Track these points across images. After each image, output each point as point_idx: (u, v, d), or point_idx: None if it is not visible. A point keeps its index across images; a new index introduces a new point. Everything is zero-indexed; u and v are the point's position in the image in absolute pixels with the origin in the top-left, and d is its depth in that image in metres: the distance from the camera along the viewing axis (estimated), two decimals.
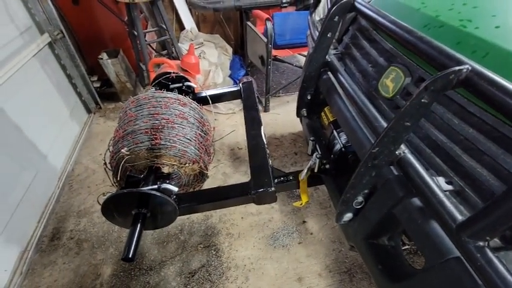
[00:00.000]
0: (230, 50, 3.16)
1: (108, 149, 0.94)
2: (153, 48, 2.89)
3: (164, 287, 1.40)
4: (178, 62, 2.51)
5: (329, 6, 1.41)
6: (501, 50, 0.67)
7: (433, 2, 0.95)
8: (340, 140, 1.12)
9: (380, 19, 0.87)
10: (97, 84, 2.64)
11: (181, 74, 1.18)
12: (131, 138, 0.84)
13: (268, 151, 0.90)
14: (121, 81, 2.62)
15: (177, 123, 0.90)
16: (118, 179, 0.78)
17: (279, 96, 2.85)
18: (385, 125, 0.81)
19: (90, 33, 2.52)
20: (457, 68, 0.55)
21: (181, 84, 1.17)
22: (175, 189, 0.75)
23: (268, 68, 2.33)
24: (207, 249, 1.56)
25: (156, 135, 0.84)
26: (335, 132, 1.15)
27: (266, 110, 2.65)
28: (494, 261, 0.49)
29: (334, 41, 1.30)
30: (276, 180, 1.29)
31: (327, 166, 1.12)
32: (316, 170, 1.15)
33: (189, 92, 1.19)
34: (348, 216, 0.90)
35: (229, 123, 2.52)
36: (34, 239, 1.57)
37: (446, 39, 0.81)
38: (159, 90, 0.99)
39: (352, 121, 1.02)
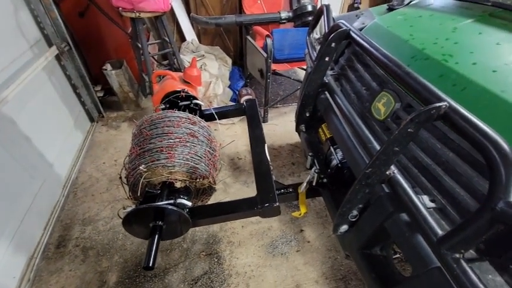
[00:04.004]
0: (230, 61, 3.27)
1: (124, 166, 1.01)
2: (155, 60, 2.98)
3: None
4: (180, 74, 2.60)
5: (326, 30, 1.52)
6: (477, 86, 0.77)
7: (420, 35, 1.07)
8: (337, 156, 1.21)
9: (373, 51, 0.97)
10: (100, 94, 2.70)
11: (190, 93, 1.27)
12: (148, 155, 0.91)
13: (271, 167, 0.98)
14: (124, 91, 2.69)
15: (188, 142, 0.98)
16: (138, 194, 0.85)
17: (277, 108, 2.96)
18: (377, 147, 0.91)
19: (94, 45, 2.60)
20: (437, 104, 0.65)
21: (189, 102, 1.26)
22: (189, 203, 0.82)
23: (268, 81, 2.43)
24: (209, 256, 1.62)
25: (170, 153, 0.92)
26: (332, 149, 1.25)
27: (264, 120, 2.74)
28: (467, 271, 0.59)
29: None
30: (277, 192, 1.38)
31: (325, 180, 1.21)
32: (314, 183, 1.24)
33: (196, 109, 1.27)
34: (344, 228, 0.99)
35: (228, 133, 2.60)
36: (41, 246, 1.62)
37: (430, 71, 0.91)
38: (171, 110, 1.07)
39: (347, 140, 1.11)
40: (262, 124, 1.19)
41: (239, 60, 3.60)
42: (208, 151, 1.04)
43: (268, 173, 0.93)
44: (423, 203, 0.73)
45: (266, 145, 1.07)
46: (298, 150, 2.44)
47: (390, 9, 1.54)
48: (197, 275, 1.54)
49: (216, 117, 1.24)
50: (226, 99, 2.89)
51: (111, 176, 2.13)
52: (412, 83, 0.77)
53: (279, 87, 3.30)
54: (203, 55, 2.96)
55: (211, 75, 2.78)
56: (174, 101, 1.24)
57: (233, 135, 2.57)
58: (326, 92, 1.37)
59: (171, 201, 0.81)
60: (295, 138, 2.49)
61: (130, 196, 0.99)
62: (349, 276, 1.56)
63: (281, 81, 3.38)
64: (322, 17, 1.54)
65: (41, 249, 1.61)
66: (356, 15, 1.59)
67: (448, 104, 0.65)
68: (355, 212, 0.93)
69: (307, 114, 1.44)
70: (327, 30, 1.48)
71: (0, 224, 1.42)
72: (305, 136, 1.51)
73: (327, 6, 1.59)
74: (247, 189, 2.03)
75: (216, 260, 1.61)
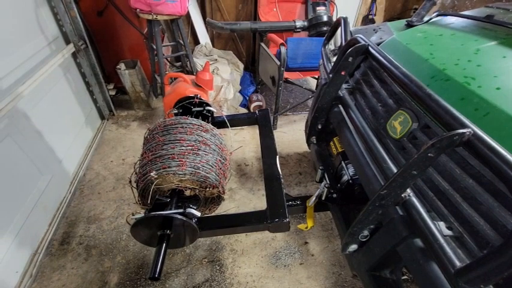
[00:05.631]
0: (241, 66, 3.28)
1: (135, 170, 1.01)
2: (168, 61, 3.00)
3: None
4: (192, 77, 2.62)
5: (343, 43, 1.51)
6: (501, 112, 0.75)
7: (441, 54, 1.05)
8: (348, 171, 1.19)
9: (392, 69, 0.96)
10: (112, 92, 2.73)
11: (203, 100, 1.27)
12: (159, 162, 0.91)
13: (283, 181, 0.97)
14: (136, 90, 2.71)
15: (200, 150, 0.97)
16: (148, 201, 0.85)
17: (286, 115, 2.95)
18: (392, 167, 0.89)
19: (110, 43, 2.64)
20: (461, 131, 0.63)
21: (202, 108, 1.25)
22: (198, 214, 0.81)
23: (279, 88, 2.43)
24: (211, 263, 1.61)
25: (182, 160, 0.91)
26: (343, 164, 1.23)
27: (274, 128, 2.73)
28: None
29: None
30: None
31: (334, 195, 1.19)
32: (323, 198, 1.22)
33: (208, 115, 1.27)
34: (353, 247, 0.97)
35: (237, 138, 2.60)
36: (45, 242, 1.63)
37: (451, 93, 0.89)
38: (184, 116, 1.07)
39: (360, 157, 1.09)
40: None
41: (251, 65, 3.61)
42: (219, 160, 1.03)
43: (279, 187, 0.92)
44: (440, 229, 0.71)
45: (278, 157, 1.05)
46: (306, 160, 2.42)
47: (409, 26, 1.52)
48: (198, 282, 1.52)
49: (228, 125, 1.23)
50: (236, 104, 2.90)
51: (118, 175, 2.13)
52: (434, 106, 0.75)
53: (289, 95, 3.29)
54: (216, 59, 2.98)
55: (223, 80, 2.78)
56: (187, 106, 1.24)
57: (241, 140, 2.57)
58: (340, 106, 1.36)
59: (181, 211, 0.80)
60: (304, 147, 2.47)
61: (138, 201, 0.98)
62: None
63: (292, 89, 3.37)
64: (340, 29, 1.54)
65: (45, 245, 1.61)
66: (374, 30, 1.57)
67: (472, 131, 0.63)
68: (366, 232, 0.91)
69: (319, 127, 1.43)
70: (343, 43, 1.47)
71: (6, 218, 1.43)
72: (315, 148, 1.50)
73: (345, 19, 1.58)
74: (252, 197, 2.01)
75: (218, 268, 1.60)
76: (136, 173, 1.00)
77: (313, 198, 1.19)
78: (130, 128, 2.64)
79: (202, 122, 1.08)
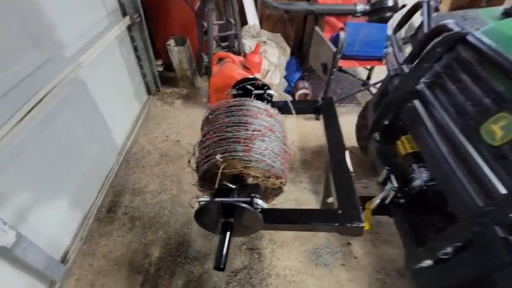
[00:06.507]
0: (288, 50, 3.13)
1: (194, 152, 0.97)
2: (215, 40, 2.94)
3: (207, 280, 1.45)
4: (241, 58, 2.54)
5: (426, 30, 1.33)
6: None
7: None
8: (421, 175, 1.06)
9: (506, 65, 0.80)
10: (160, 68, 2.75)
11: (265, 82, 1.19)
12: (224, 144, 0.86)
13: (353, 180, 0.87)
14: (182, 68, 2.71)
15: (266, 136, 0.90)
16: (216, 185, 0.80)
17: None
18: (495, 181, 0.75)
19: (162, 19, 2.62)
20: None
21: (263, 92, 1.18)
22: (265, 205, 0.76)
23: (331, 77, 2.27)
24: (250, 251, 1.58)
25: (248, 146, 0.85)
26: (415, 166, 1.09)
27: (318, 118, 2.60)
28: None
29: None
30: None
31: (402, 200, 1.07)
32: (387, 201, 1.11)
33: (268, 100, 1.19)
34: (427, 263, 0.86)
35: None
36: (94, 208, 1.70)
37: None
38: (248, 98, 1.00)
39: (442, 161, 0.95)
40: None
41: (297, 50, 3.44)
42: (283, 148, 0.96)
43: (351, 186, 0.83)
44: None
45: (348, 152, 0.96)
46: (353, 155, 2.26)
47: (507, 14, 1.30)
48: (237, 268, 1.50)
49: (293, 111, 1.15)
50: (280, 90, 2.79)
51: (162, 151, 2.17)
52: None
53: (337, 85, 3.10)
54: (265, 41, 2.86)
55: (270, 64, 2.68)
56: (247, 88, 1.16)
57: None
58: (414, 101, 1.21)
59: (248, 199, 0.75)
60: (351, 142, 2.32)
61: (198, 183, 0.95)
62: None
63: (340, 79, 3.17)
64: (422, 13, 1.35)
65: (94, 211, 1.69)
66: (462, 17, 1.36)
67: None
68: (449, 250, 0.79)
69: (386, 122, 1.29)
70: (426, 30, 1.29)
71: (64, 182, 1.50)
72: (377, 146, 1.37)
73: (428, 3, 1.39)
74: (294, 189, 1.94)
75: (256, 256, 1.57)
76: (196, 154, 0.96)
77: (377, 200, 1.08)
78: (175, 106, 2.66)
79: (268, 106, 1.01)
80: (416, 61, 1.12)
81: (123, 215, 1.72)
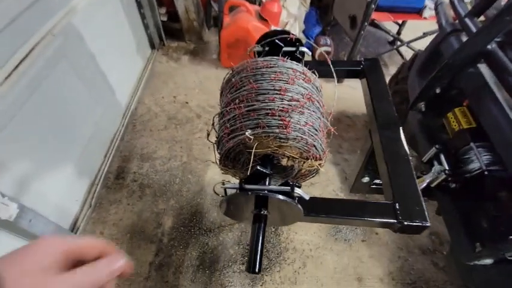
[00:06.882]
0: (308, 0, 2.74)
1: (213, 124, 0.80)
2: None
3: (222, 252, 1.40)
4: (256, 7, 2.21)
5: None
6: None
7: None
8: (481, 158, 0.90)
9: None
10: (164, 18, 2.43)
11: (298, 37, 0.96)
12: (255, 117, 0.68)
13: (412, 163, 0.71)
14: (189, 18, 2.39)
15: (305, 108, 0.72)
16: (249, 172, 0.65)
17: None
18: None
19: None
20: None
21: (295, 49, 0.96)
22: (307, 196, 0.62)
23: (361, 33, 1.98)
24: None
25: (285, 120, 0.67)
26: (473, 146, 0.92)
27: (339, 81, 2.35)
28: None
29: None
30: (371, 180, 1.13)
31: (453, 185, 0.93)
32: (433, 185, 0.96)
33: (300, 59, 0.97)
34: (487, 261, 0.74)
35: None
36: (101, 174, 1.60)
37: None
38: (281, 57, 0.79)
39: None
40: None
41: (318, 0, 3.02)
42: (323, 122, 0.78)
43: (410, 173, 0.68)
44: None
45: (402, 129, 0.78)
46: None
47: None
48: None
49: (334, 74, 0.94)
50: None
51: (169, 114, 2.00)
52: None
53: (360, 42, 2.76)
54: None
55: (289, 15, 2.34)
56: (277, 44, 0.94)
57: None
58: (480, 65, 0.99)
59: (287, 189, 0.61)
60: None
61: (219, 162, 0.80)
62: (420, 283, 1.37)
63: (365, 35, 2.82)
64: None
65: (101, 177, 1.59)
66: None
67: None
68: None
69: (438, 91, 1.08)
70: None
71: (66, 147, 1.37)
72: (420, 118, 1.18)
73: None
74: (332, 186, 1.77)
75: (273, 230, 1.50)
76: (214, 126, 0.80)
77: (423, 184, 0.94)
78: (181, 63, 2.41)
79: (305, 68, 0.81)
80: (496, 13, 0.87)
81: (132, 182, 1.63)
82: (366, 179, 1.10)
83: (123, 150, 1.77)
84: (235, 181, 0.70)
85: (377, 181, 1.12)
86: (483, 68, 0.97)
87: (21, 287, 0.24)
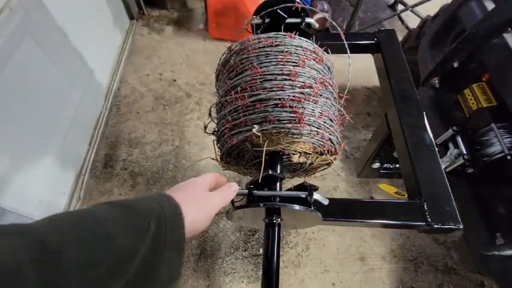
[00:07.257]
0: None
1: (210, 114, 0.69)
2: None
3: (223, 239, 1.36)
4: None
5: None
6: None
7: None
8: (503, 141, 0.83)
9: None
10: None
11: (304, 6, 0.82)
12: (261, 110, 0.58)
13: (439, 155, 0.63)
14: None
15: (319, 95, 0.62)
16: (260, 179, 0.56)
17: None
18: None
19: None
20: None
21: (300, 20, 0.82)
22: (326, 202, 0.54)
23: None
24: None
25: (298, 112, 0.57)
26: (494, 127, 0.85)
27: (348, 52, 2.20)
28: None
29: None
30: (381, 166, 1.06)
31: (470, 170, 0.87)
32: (448, 170, 0.91)
33: (307, 33, 0.84)
34: (509, 252, 0.71)
35: None
36: (88, 163, 1.48)
37: None
38: (290, 34, 0.66)
39: None
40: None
41: None
42: (338, 110, 0.69)
43: (438, 167, 0.60)
44: None
45: (425, 114, 0.69)
46: (376, 97, 2.00)
47: None
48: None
49: (347, 49, 0.83)
50: None
51: (156, 93, 1.84)
52: None
53: None
54: None
55: None
56: (280, 15, 0.80)
57: None
58: (506, 35, 0.88)
59: (303, 195, 0.53)
60: (374, 80, 2.02)
61: (220, 160, 0.70)
62: (421, 259, 1.39)
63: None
64: None
65: (88, 166, 1.47)
66: None
67: None
68: None
69: (455, 65, 0.98)
70: None
71: (44, 137, 1.23)
72: (432, 95, 1.09)
73: None
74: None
75: None
76: (211, 116, 0.69)
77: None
78: (165, 34, 2.18)
79: (315, 45, 0.69)
80: None
81: (122, 170, 1.52)
82: (376, 165, 1.03)
83: (109, 136, 1.63)
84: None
85: (387, 165, 1.06)
86: (510, 37, 0.87)
87: (193, 198, 0.42)
